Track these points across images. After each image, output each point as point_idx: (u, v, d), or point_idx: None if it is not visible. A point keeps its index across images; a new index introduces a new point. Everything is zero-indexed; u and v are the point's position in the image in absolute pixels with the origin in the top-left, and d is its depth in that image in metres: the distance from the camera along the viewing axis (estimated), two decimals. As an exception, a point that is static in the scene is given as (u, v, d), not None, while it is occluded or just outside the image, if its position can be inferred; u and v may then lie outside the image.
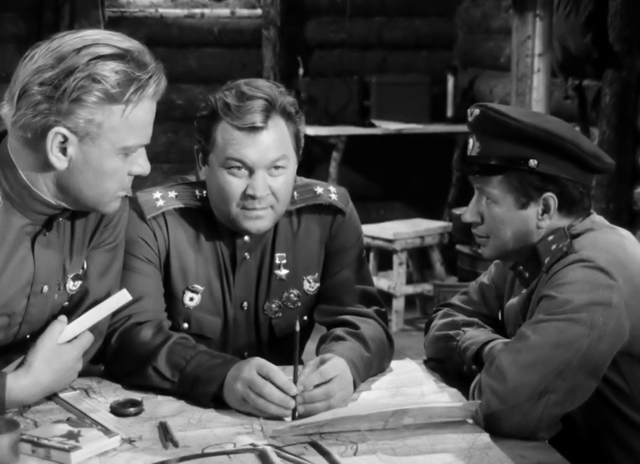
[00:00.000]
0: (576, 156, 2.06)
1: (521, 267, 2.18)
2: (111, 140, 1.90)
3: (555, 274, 2.05)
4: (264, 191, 2.24)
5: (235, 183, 2.25)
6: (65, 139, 1.89)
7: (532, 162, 2.06)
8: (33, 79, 1.86)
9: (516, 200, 2.11)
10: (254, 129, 2.22)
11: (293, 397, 2.00)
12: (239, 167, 2.24)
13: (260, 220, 2.28)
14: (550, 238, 2.11)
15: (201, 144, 2.30)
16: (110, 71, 1.86)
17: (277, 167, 2.26)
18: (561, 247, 2.08)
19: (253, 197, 2.24)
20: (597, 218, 2.17)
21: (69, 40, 1.89)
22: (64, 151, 1.90)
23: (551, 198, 2.10)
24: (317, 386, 2.03)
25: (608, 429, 2.11)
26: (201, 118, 2.29)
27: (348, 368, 2.11)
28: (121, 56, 1.88)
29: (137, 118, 1.91)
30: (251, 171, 2.24)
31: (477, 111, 2.14)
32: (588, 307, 1.97)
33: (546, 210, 2.11)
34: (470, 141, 2.16)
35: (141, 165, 1.98)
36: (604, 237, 2.10)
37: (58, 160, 1.90)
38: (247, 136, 2.22)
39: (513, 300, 2.24)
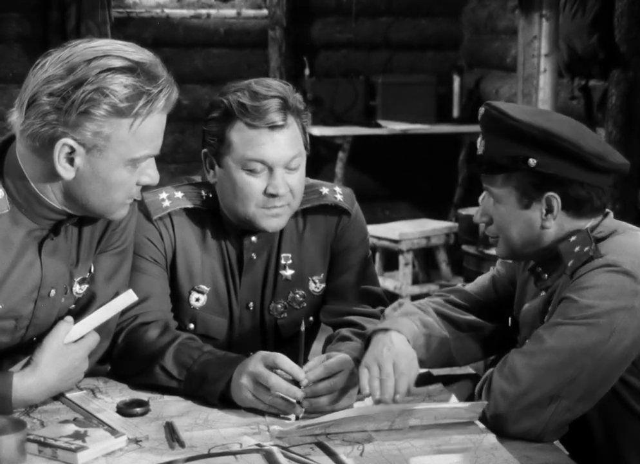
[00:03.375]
0: (576, 156, 2.02)
1: (540, 269, 2.15)
2: (118, 152, 1.90)
3: (580, 277, 2.01)
4: (285, 189, 2.25)
5: (256, 184, 2.24)
6: (73, 150, 1.88)
7: (532, 162, 2.05)
8: (43, 89, 1.85)
9: (518, 200, 2.09)
10: (274, 128, 2.22)
11: (298, 385, 2.01)
12: (258, 168, 2.24)
13: (278, 218, 2.28)
14: (572, 239, 2.07)
15: (212, 147, 2.28)
16: (119, 84, 1.85)
17: (293, 165, 2.26)
18: (587, 251, 2.04)
19: (274, 195, 2.24)
20: (612, 217, 2.14)
21: (80, 50, 1.88)
22: (71, 161, 1.90)
23: (554, 198, 2.06)
24: (321, 380, 2.03)
25: (624, 430, 2.09)
26: (211, 120, 2.27)
27: (353, 365, 2.11)
28: (131, 69, 1.87)
29: (145, 131, 1.91)
30: (270, 170, 2.24)
31: (482, 110, 2.13)
32: (609, 313, 1.94)
33: (549, 210, 2.08)
34: (479, 140, 2.15)
35: (150, 175, 1.98)
36: (630, 240, 2.06)
37: (65, 171, 1.90)
38: (267, 136, 2.22)
39: (530, 304, 2.20)
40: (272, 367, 2.03)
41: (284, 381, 2.01)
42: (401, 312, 2.20)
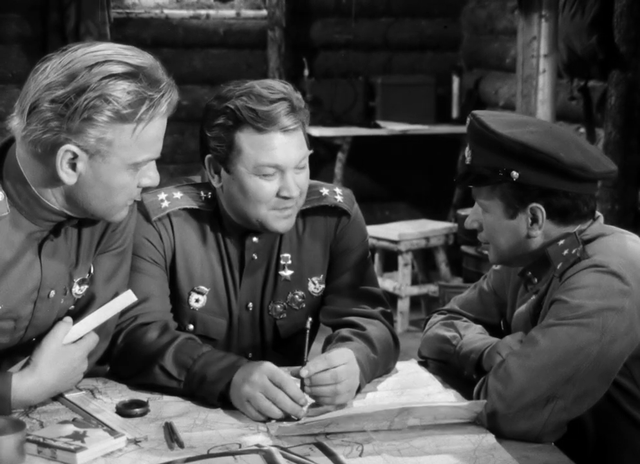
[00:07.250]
0: (556, 168, 2.03)
1: (530, 273, 2.17)
2: (121, 157, 1.90)
3: (569, 279, 2.03)
4: (297, 191, 2.25)
5: (269, 187, 2.24)
6: (75, 156, 1.88)
7: (514, 174, 2.05)
8: (44, 95, 1.85)
9: (504, 210, 2.11)
10: (286, 132, 2.22)
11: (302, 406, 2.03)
12: (271, 172, 2.24)
13: (289, 219, 2.29)
14: (561, 242, 2.09)
15: (219, 153, 2.26)
16: (122, 91, 1.85)
17: (301, 164, 2.27)
18: (574, 252, 2.06)
19: (287, 198, 2.24)
20: (602, 221, 2.15)
21: (81, 55, 1.87)
22: (73, 166, 1.89)
23: (538, 208, 2.08)
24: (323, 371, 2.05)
25: (618, 433, 2.09)
26: (216, 126, 2.25)
27: (354, 358, 2.11)
28: (133, 74, 1.86)
29: (148, 136, 1.90)
30: (282, 172, 2.24)
31: (468, 120, 2.14)
32: (599, 313, 1.96)
33: (535, 220, 2.09)
34: (466, 149, 2.16)
35: (151, 176, 1.98)
36: (617, 241, 2.08)
37: (67, 176, 1.90)
38: (278, 139, 2.22)
39: (521, 308, 2.22)
40: (278, 386, 2.03)
41: (290, 400, 2.02)
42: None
